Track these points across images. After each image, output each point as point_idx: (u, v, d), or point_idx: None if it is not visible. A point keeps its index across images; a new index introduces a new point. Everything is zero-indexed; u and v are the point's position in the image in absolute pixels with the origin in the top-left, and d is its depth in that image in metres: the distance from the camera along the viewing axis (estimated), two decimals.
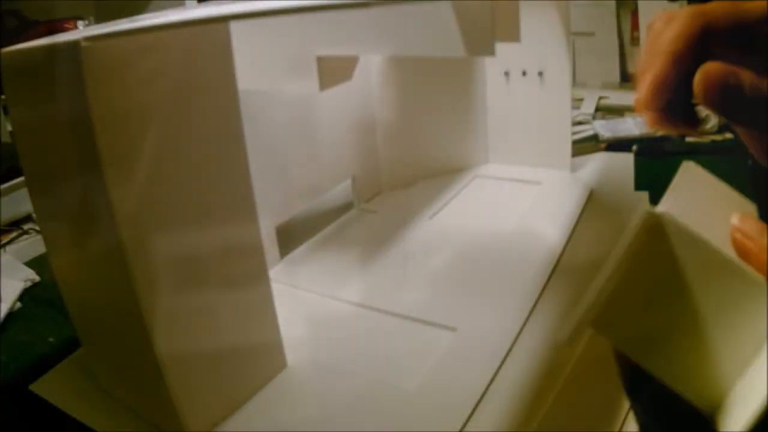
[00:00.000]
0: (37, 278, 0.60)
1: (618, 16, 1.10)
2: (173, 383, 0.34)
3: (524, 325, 0.44)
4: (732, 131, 0.82)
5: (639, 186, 0.68)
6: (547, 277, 0.50)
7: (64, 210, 0.36)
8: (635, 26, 1.08)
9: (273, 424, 0.37)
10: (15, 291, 0.58)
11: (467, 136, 0.74)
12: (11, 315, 0.55)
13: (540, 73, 0.68)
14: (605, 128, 0.85)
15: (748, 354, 0.18)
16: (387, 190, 0.71)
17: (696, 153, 0.78)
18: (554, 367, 0.40)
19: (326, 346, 0.45)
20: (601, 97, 1.00)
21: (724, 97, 0.20)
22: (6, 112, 0.76)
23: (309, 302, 0.51)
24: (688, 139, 0.82)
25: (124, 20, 0.37)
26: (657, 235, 0.18)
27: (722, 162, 0.75)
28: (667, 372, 0.19)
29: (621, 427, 0.35)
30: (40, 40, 0.33)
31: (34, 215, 0.72)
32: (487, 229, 0.60)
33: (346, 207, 0.68)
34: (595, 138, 0.84)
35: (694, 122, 0.23)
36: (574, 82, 1.08)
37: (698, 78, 0.20)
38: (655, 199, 0.30)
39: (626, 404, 0.36)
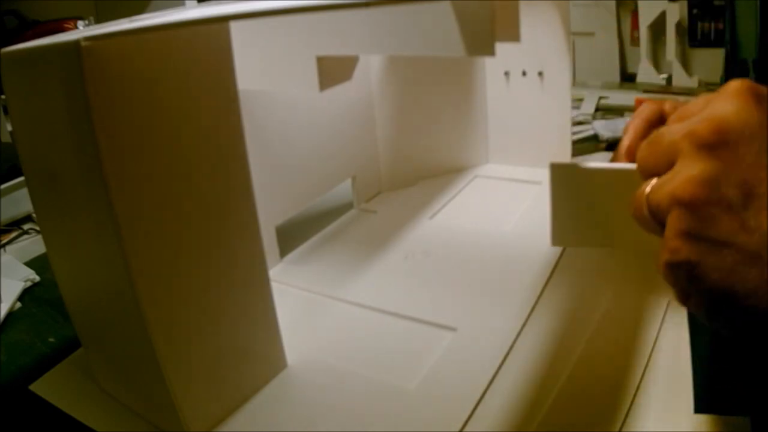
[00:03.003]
0: (37, 278, 0.60)
1: (618, 16, 1.10)
2: (173, 383, 0.34)
3: (524, 325, 0.44)
4: None
5: None
6: (547, 277, 0.50)
7: (64, 210, 0.36)
8: (635, 26, 1.08)
9: (273, 424, 0.37)
10: (15, 291, 0.58)
11: (467, 136, 0.74)
12: (11, 315, 0.55)
13: (540, 73, 0.68)
14: (605, 128, 0.85)
15: None
16: (387, 190, 0.71)
17: None
18: (554, 366, 0.40)
19: (326, 346, 0.45)
20: (601, 97, 1.00)
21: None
22: (6, 112, 0.76)
23: (309, 302, 0.51)
24: None
25: (124, 20, 0.37)
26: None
27: None
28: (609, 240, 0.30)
29: (621, 427, 0.35)
30: (40, 40, 0.33)
31: (34, 215, 0.72)
32: (487, 229, 0.60)
33: (346, 207, 0.68)
34: (595, 138, 0.84)
35: None
36: (574, 82, 1.08)
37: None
38: None
39: (626, 404, 0.36)
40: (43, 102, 0.32)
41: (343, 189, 0.67)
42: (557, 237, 0.30)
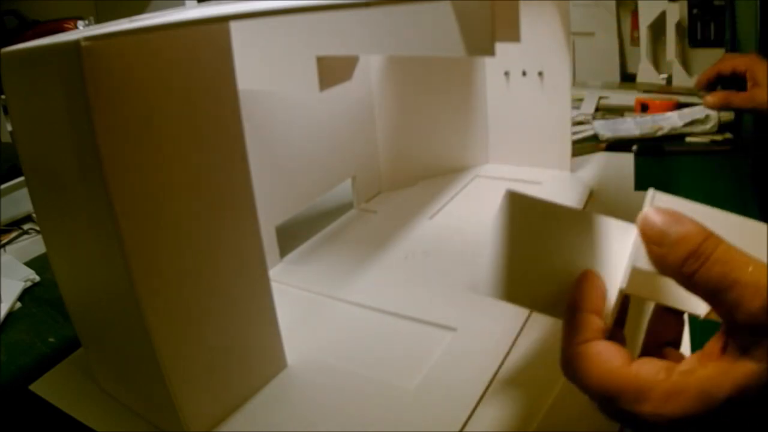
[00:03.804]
0: (37, 278, 0.60)
1: (618, 16, 1.10)
2: (173, 383, 0.34)
3: (524, 325, 0.44)
4: (731, 130, 0.82)
5: (639, 186, 0.68)
6: None
7: (64, 210, 0.36)
8: (635, 26, 1.08)
9: (273, 424, 0.37)
10: (15, 291, 0.58)
11: (467, 136, 0.74)
12: (11, 315, 0.55)
13: (540, 73, 0.68)
14: (605, 128, 0.85)
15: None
16: (387, 190, 0.71)
17: (695, 153, 0.78)
18: (554, 366, 0.40)
19: (326, 346, 0.45)
20: (601, 97, 1.00)
21: None
22: (6, 112, 0.76)
23: (309, 302, 0.51)
24: (688, 140, 0.82)
25: (124, 20, 0.37)
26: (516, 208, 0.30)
27: (722, 161, 0.75)
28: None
29: (620, 428, 0.35)
30: (40, 40, 0.33)
31: (34, 215, 0.72)
32: (487, 229, 0.59)
33: (346, 207, 0.68)
34: (595, 138, 0.84)
35: None
36: (574, 82, 1.08)
37: None
38: None
39: None
40: (43, 102, 0.32)
41: (343, 189, 0.67)
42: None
